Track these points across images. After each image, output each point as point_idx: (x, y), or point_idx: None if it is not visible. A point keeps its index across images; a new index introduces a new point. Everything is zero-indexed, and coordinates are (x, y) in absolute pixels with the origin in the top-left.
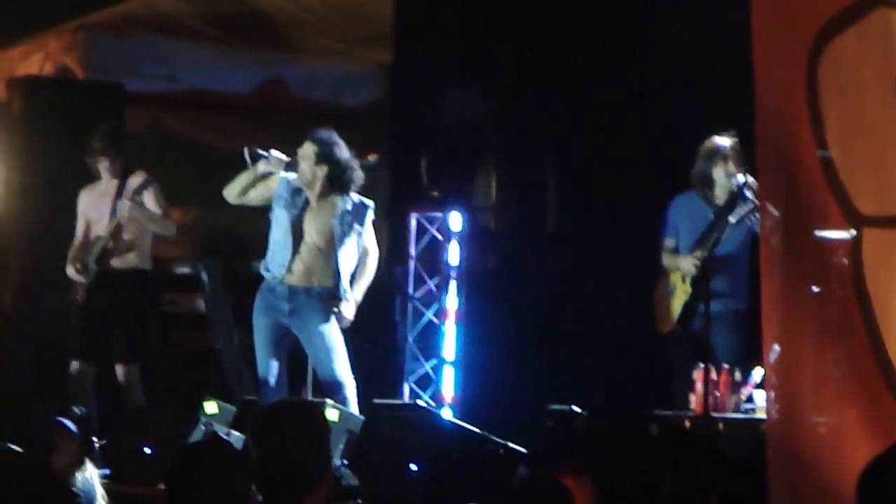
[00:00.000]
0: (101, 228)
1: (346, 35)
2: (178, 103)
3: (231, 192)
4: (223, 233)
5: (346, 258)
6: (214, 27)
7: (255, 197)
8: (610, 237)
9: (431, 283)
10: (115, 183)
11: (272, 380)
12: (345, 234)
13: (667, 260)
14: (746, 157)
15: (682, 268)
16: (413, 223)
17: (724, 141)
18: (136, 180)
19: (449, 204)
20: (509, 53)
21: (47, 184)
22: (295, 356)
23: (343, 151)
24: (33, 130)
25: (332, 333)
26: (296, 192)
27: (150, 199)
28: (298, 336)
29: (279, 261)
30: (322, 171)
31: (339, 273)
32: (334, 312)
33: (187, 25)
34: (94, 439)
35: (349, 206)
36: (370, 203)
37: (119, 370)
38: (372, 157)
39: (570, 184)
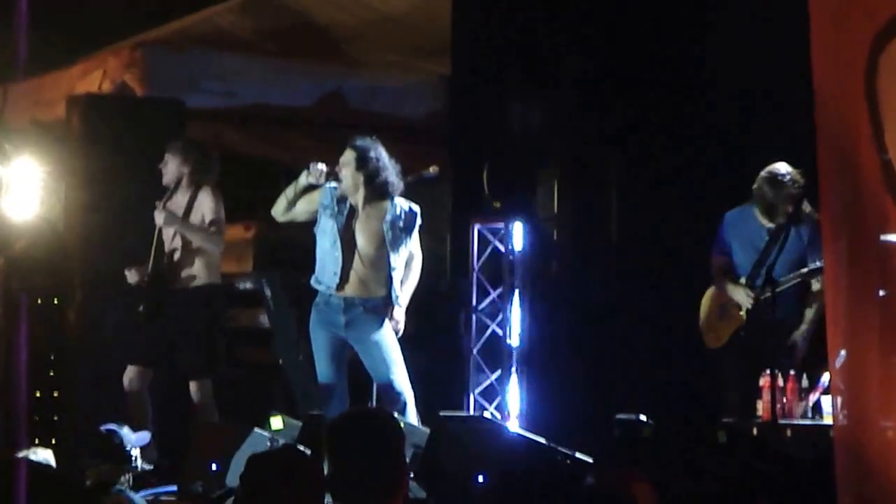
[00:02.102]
0: (166, 243)
1: (404, 46)
2: (237, 118)
3: (277, 210)
4: (285, 247)
5: (399, 264)
6: (272, 42)
7: (301, 211)
8: (673, 246)
9: (494, 294)
10: (185, 198)
11: (334, 393)
12: (396, 240)
13: (720, 282)
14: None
15: (735, 298)
16: (475, 235)
17: (788, 169)
18: (203, 201)
19: (511, 215)
20: (570, 62)
21: (108, 202)
22: (357, 367)
23: (381, 156)
24: (93, 149)
25: (390, 344)
26: (341, 200)
27: (199, 211)
28: (356, 348)
29: (331, 269)
30: (363, 177)
31: (391, 279)
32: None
33: (245, 40)
34: (134, 457)
35: (398, 212)
36: (417, 209)
37: (192, 387)
38: (432, 169)
39: (632, 193)
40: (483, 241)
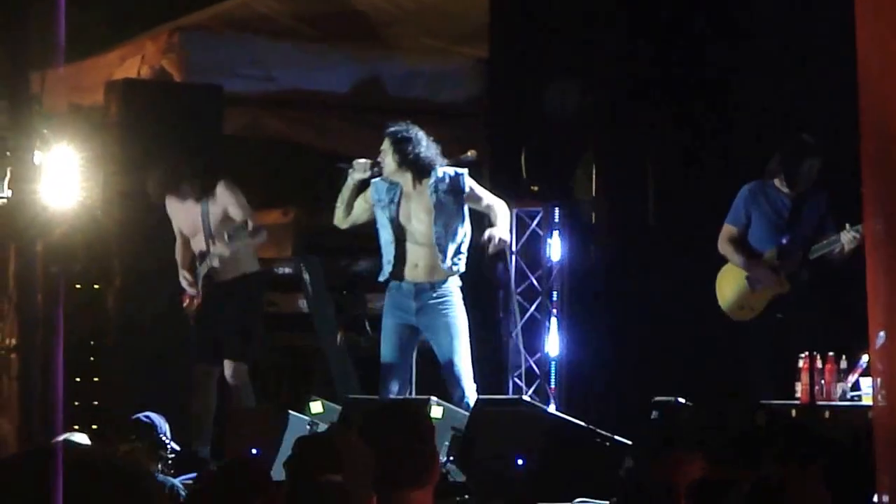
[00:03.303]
0: (199, 243)
1: (442, 31)
2: (275, 104)
3: (338, 218)
4: (323, 232)
5: (447, 227)
6: (310, 26)
7: (359, 213)
8: (710, 229)
9: (533, 278)
10: (199, 206)
11: (392, 378)
12: (442, 205)
13: (725, 248)
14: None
15: (756, 275)
16: (513, 219)
17: (809, 139)
18: (218, 204)
19: (549, 198)
20: (607, 45)
21: (145, 186)
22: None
23: (417, 135)
24: (131, 134)
25: (459, 331)
26: (389, 189)
27: (237, 216)
28: (425, 335)
29: (387, 258)
30: (404, 158)
31: (440, 242)
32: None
33: (283, 25)
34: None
35: (441, 176)
36: (464, 170)
37: (227, 368)
38: (470, 154)
39: (670, 176)
40: (521, 225)
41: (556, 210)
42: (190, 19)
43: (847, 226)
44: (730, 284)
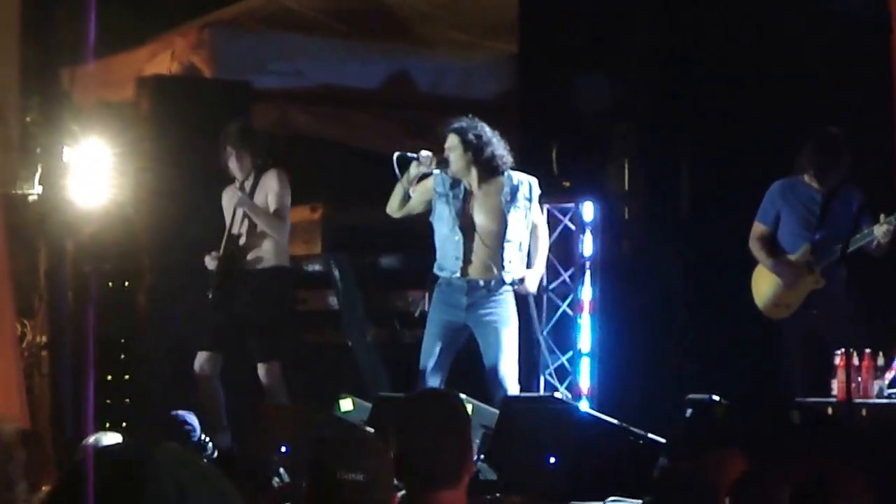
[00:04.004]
0: (236, 227)
1: (471, 25)
2: (304, 99)
3: (392, 206)
4: (353, 228)
5: (515, 237)
6: (340, 22)
7: (416, 203)
8: (744, 223)
9: (565, 275)
10: (249, 183)
11: (433, 376)
12: (513, 213)
13: (754, 246)
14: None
15: (771, 269)
16: (545, 214)
17: (839, 133)
18: (265, 184)
19: (581, 194)
20: (638, 38)
21: (177, 183)
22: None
23: (485, 132)
24: (161, 130)
25: (508, 331)
26: (454, 184)
27: (263, 196)
28: (474, 331)
29: (452, 254)
30: (472, 156)
31: (503, 256)
32: (517, 287)
33: (312, 20)
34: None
35: (516, 183)
36: (535, 180)
37: (261, 370)
38: None
39: (703, 170)
40: (553, 221)
41: (588, 206)
42: (219, 15)
43: (882, 217)
44: (765, 282)
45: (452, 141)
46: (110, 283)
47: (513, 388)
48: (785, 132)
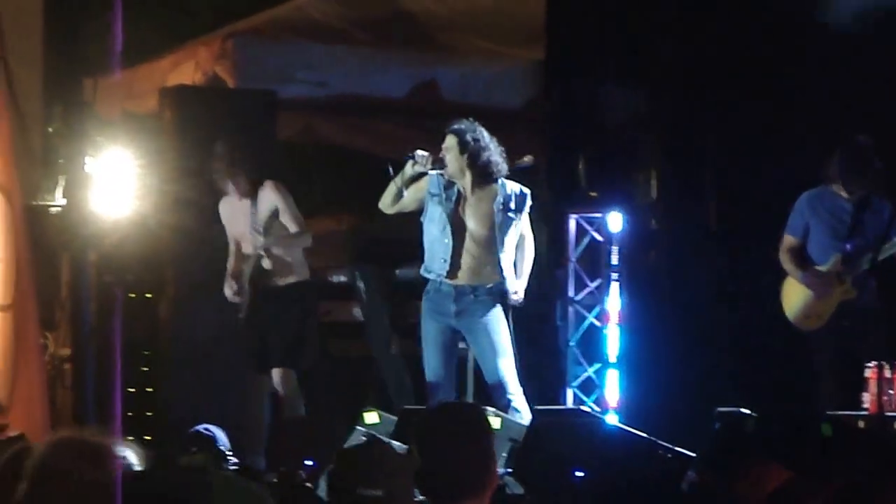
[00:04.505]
0: (248, 246)
1: (498, 34)
2: (329, 109)
3: (385, 202)
4: (379, 239)
5: (509, 247)
6: (365, 31)
7: (409, 201)
8: (774, 233)
9: (592, 286)
10: (246, 202)
11: (441, 386)
12: (505, 223)
13: (784, 259)
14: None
15: (802, 282)
16: (572, 225)
17: (868, 142)
18: (265, 201)
19: (608, 204)
20: (666, 47)
21: (200, 194)
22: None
23: (483, 137)
24: (185, 141)
25: (501, 334)
26: (448, 186)
27: (285, 218)
28: (466, 337)
29: (440, 257)
30: (467, 160)
31: (501, 264)
32: (507, 305)
33: (337, 29)
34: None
35: (509, 192)
36: (528, 191)
37: (275, 378)
38: (527, 159)
39: (731, 180)
40: (580, 232)
41: (615, 216)
42: (243, 25)
43: None
44: (795, 293)
45: (450, 142)
46: (132, 295)
47: (515, 390)
48: (814, 141)
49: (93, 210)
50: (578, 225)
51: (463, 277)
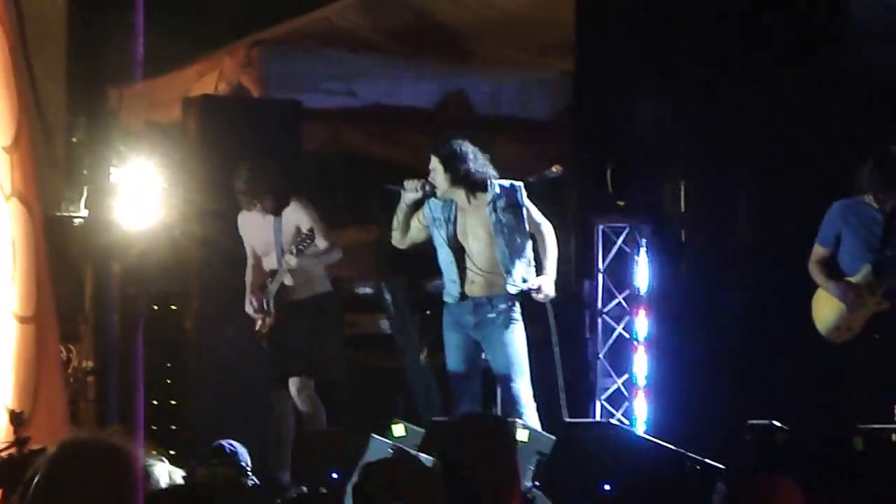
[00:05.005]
0: (271, 262)
1: (527, 44)
2: (356, 119)
3: (396, 239)
4: (405, 251)
5: (510, 244)
6: (392, 40)
7: (416, 232)
8: (805, 245)
9: (620, 297)
10: (269, 218)
11: (465, 397)
12: (501, 221)
13: (813, 270)
14: None
15: (833, 293)
16: (600, 236)
17: None
18: (291, 220)
19: (636, 215)
20: (697, 58)
21: (225, 205)
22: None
23: (464, 149)
24: (209, 151)
25: (517, 346)
26: (444, 207)
27: (292, 228)
28: (484, 348)
29: (450, 278)
30: (455, 174)
31: (508, 267)
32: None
33: (364, 38)
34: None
35: (497, 191)
36: (518, 183)
37: (292, 388)
38: (555, 169)
39: (762, 191)
40: (608, 243)
41: (644, 227)
42: (268, 34)
43: None
44: (827, 305)
45: (433, 163)
46: (156, 307)
47: (528, 404)
48: (846, 152)
49: (116, 221)
50: (606, 235)
51: (476, 291)
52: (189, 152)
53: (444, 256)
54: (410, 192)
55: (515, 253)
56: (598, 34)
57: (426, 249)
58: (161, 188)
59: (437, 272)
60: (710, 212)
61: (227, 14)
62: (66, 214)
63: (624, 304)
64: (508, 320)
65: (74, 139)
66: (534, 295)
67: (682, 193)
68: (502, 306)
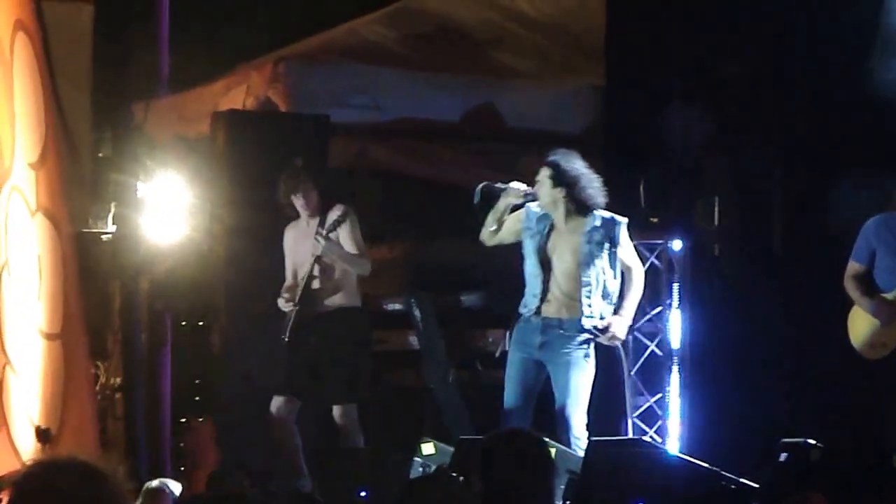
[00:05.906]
0: (305, 271)
1: (556, 57)
2: (384, 133)
3: (484, 236)
4: (435, 267)
5: (596, 278)
6: (420, 53)
7: (506, 234)
8: (840, 261)
9: (653, 313)
10: (315, 221)
11: (515, 416)
12: (593, 253)
13: (848, 286)
14: None
15: (866, 310)
16: None
17: None
18: (333, 215)
19: (669, 230)
20: (729, 71)
21: (252, 220)
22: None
23: (577, 168)
24: (237, 166)
25: (580, 373)
26: (541, 218)
27: (344, 236)
28: (549, 371)
29: (531, 291)
30: (561, 192)
31: (584, 300)
32: (595, 337)
33: (391, 52)
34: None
35: (598, 223)
36: (622, 219)
37: (336, 412)
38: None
39: (796, 205)
40: (640, 258)
41: (677, 243)
42: (295, 48)
43: None
44: (862, 322)
45: (543, 174)
46: (184, 323)
47: (579, 432)
48: (882, 166)
49: (144, 236)
50: (638, 251)
51: (551, 311)
52: (216, 167)
53: (531, 268)
54: (512, 196)
55: (598, 287)
56: (628, 47)
57: (457, 265)
58: (188, 203)
59: (512, 287)
60: (745, 226)
61: (255, 29)
62: (93, 231)
63: (656, 320)
64: (577, 348)
65: (101, 154)
66: (599, 336)
67: (716, 208)
68: (574, 331)
